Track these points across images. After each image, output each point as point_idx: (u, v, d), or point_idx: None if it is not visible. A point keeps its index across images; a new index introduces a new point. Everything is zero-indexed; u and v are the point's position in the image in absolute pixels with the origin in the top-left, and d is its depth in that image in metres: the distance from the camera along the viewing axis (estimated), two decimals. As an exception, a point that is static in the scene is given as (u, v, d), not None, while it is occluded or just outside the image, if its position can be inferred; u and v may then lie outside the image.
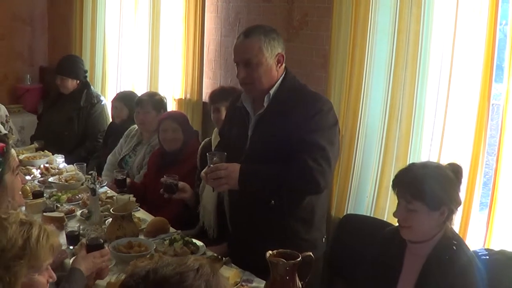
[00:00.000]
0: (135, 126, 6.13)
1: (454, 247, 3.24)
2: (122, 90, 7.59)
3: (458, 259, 3.21)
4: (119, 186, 4.99)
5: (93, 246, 3.41)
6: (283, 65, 3.82)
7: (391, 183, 3.48)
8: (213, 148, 4.73)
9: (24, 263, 2.31)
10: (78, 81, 7.27)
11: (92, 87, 7.47)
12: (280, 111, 3.73)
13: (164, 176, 4.30)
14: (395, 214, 3.37)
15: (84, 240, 3.64)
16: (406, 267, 3.42)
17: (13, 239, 2.29)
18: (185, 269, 1.83)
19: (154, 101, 5.94)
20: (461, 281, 3.16)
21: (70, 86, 7.22)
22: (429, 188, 3.22)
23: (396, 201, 3.43)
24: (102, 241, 3.48)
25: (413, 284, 3.34)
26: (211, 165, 3.68)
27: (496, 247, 3.72)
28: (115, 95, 7.03)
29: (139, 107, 5.93)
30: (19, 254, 2.29)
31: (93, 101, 7.20)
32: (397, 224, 3.46)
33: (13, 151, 3.38)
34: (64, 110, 7.17)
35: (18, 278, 2.29)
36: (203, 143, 5.22)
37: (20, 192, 3.43)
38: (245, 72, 3.78)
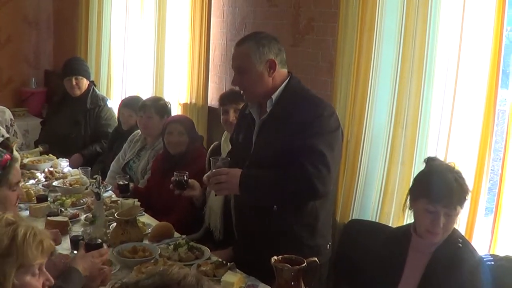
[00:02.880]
0: (139, 131, 6.12)
1: (460, 245, 3.35)
2: (127, 96, 7.55)
3: (465, 258, 3.33)
4: (122, 191, 4.98)
5: (92, 246, 3.40)
6: (277, 70, 3.80)
7: (408, 198, 3.52)
8: (222, 151, 4.75)
9: (12, 261, 2.31)
10: (89, 82, 7.25)
11: (96, 88, 7.42)
12: (282, 116, 3.75)
13: (175, 173, 4.29)
14: (432, 228, 3.36)
15: (83, 240, 3.63)
16: (409, 264, 3.47)
17: None
18: (167, 281, 1.81)
19: (158, 106, 5.93)
20: (470, 281, 3.20)
21: (84, 86, 7.16)
22: (465, 189, 3.40)
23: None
24: (100, 240, 3.48)
25: (417, 281, 3.38)
26: (213, 170, 3.73)
27: (501, 253, 3.71)
28: (121, 100, 6.97)
29: (142, 111, 5.91)
30: (6, 253, 2.30)
31: (99, 103, 7.16)
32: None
33: (17, 166, 3.39)
34: (70, 113, 7.09)
35: (7, 278, 2.29)
36: (212, 146, 5.25)
37: (17, 204, 3.47)
38: (238, 79, 3.87)
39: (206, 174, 3.80)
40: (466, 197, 3.37)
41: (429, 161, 3.57)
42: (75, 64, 7.30)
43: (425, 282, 3.38)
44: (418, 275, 3.41)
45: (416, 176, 3.62)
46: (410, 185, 3.62)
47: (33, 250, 2.37)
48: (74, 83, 7.13)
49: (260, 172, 3.69)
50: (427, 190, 3.39)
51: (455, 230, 3.41)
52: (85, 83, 7.18)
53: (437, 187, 3.35)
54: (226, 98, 5.07)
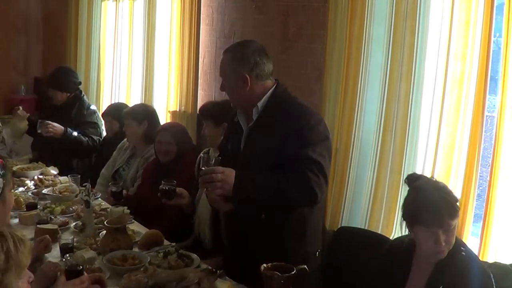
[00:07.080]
0: (128, 139, 6.12)
1: (463, 253, 3.33)
2: (111, 103, 7.55)
3: (469, 266, 3.30)
4: (116, 198, 4.97)
5: (72, 273, 3.38)
6: (255, 83, 3.76)
7: (403, 214, 3.48)
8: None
9: (11, 274, 2.32)
10: (69, 94, 7.09)
11: (85, 98, 7.28)
12: (267, 124, 3.73)
13: (163, 182, 4.27)
14: (437, 248, 3.31)
15: (63, 266, 3.59)
16: (413, 275, 3.46)
17: None
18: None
19: (134, 112, 5.98)
20: None
21: (60, 99, 7.04)
22: (453, 201, 3.35)
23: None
24: (81, 267, 3.46)
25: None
26: (204, 167, 3.62)
27: (490, 260, 3.72)
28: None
29: (124, 121, 5.98)
30: (5, 268, 2.30)
31: (83, 112, 7.06)
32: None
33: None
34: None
35: None
36: (202, 153, 5.23)
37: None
38: (222, 85, 3.91)
39: (200, 172, 3.67)
40: (457, 208, 3.33)
41: (411, 182, 3.49)
42: (53, 76, 7.20)
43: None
44: (421, 285, 3.40)
45: (404, 202, 3.51)
46: (402, 211, 3.50)
47: (27, 256, 2.39)
48: (50, 94, 7.09)
49: (257, 174, 3.63)
50: (419, 217, 3.32)
51: (457, 239, 3.40)
52: (60, 96, 7.04)
53: (427, 212, 3.28)
54: (200, 114, 5.15)
